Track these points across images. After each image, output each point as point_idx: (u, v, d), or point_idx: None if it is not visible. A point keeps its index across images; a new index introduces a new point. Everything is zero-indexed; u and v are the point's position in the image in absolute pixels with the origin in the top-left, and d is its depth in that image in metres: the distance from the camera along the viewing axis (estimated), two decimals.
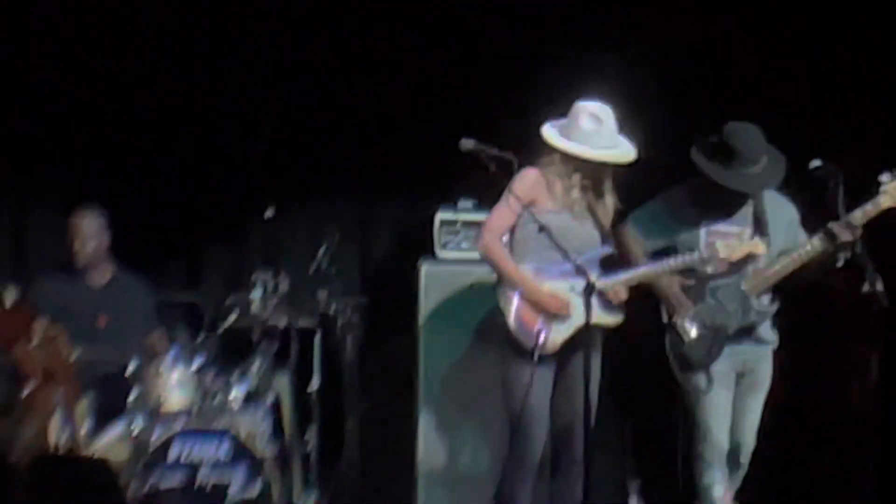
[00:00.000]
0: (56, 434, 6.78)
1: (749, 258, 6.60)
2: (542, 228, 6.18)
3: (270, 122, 8.16)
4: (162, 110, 7.92)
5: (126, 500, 6.44)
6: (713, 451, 6.68)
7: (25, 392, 6.85)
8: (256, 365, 7.18)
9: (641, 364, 7.88)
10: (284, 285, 7.33)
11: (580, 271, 6.14)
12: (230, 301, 7.29)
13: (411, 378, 7.55)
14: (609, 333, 6.50)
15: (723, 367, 6.67)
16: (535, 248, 6.36)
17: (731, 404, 6.72)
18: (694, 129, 7.83)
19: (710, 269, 6.56)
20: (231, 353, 7.30)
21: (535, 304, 6.35)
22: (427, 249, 7.60)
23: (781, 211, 6.72)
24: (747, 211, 6.69)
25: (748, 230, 6.68)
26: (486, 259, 6.49)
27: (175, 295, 7.81)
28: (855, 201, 6.63)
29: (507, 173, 6.36)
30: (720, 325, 6.64)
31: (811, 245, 6.56)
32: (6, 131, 7.82)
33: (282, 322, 7.29)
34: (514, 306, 6.37)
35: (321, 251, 7.42)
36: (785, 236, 6.68)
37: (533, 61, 8.03)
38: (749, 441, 6.77)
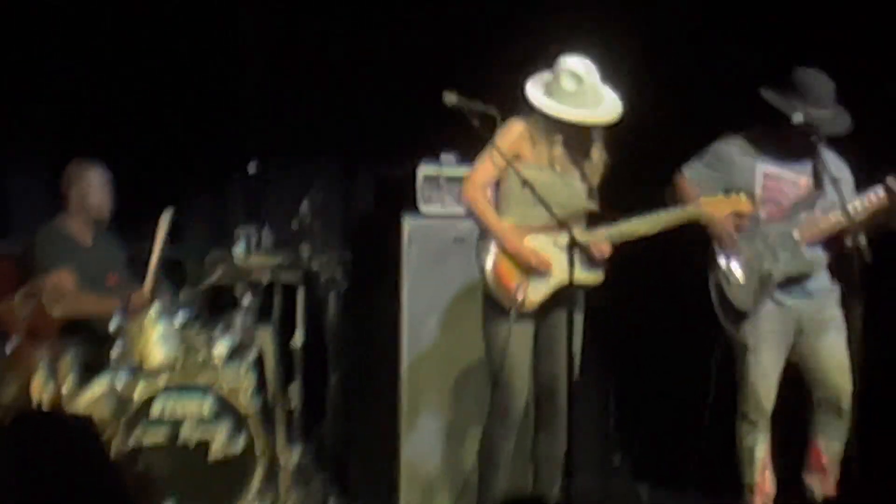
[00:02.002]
0: (39, 391, 6.77)
1: (803, 204, 6.60)
2: (525, 183, 6.16)
3: (253, 75, 8.14)
4: (143, 65, 7.88)
5: (109, 456, 6.42)
6: (758, 410, 6.59)
7: (8, 349, 6.83)
8: (239, 320, 7.17)
9: (625, 321, 7.91)
10: (267, 240, 7.32)
11: (562, 226, 6.13)
12: (213, 256, 7.28)
13: (395, 333, 7.54)
14: (591, 291, 6.47)
15: (773, 326, 6.60)
16: (519, 202, 6.34)
17: (780, 365, 6.62)
18: (683, 80, 7.84)
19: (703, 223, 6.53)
20: (214, 308, 7.29)
21: (516, 259, 6.32)
22: (410, 204, 7.58)
23: (838, 171, 6.64)
24: (807, 162, 6.66)
25: (805, 178, 6.66)
26: (469, 211, 6.46)
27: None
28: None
29: (490, 128, 6.33)
30: (767, 271, 6.58)
31: (868, 201, 6.54)
32: None
33: (265, 277, 7.29)
34: (492, 262, 6.34)
35: (304, 206, 7.40)
36: (839, 194, 6.56)
37: (518, 13, 7.99)
38: (843, 384, 6.58)
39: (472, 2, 8.00)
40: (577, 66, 6.35)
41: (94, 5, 7.82)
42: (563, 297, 6.26)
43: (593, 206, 6.45)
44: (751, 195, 6.59)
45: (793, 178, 6.70)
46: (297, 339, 7.41)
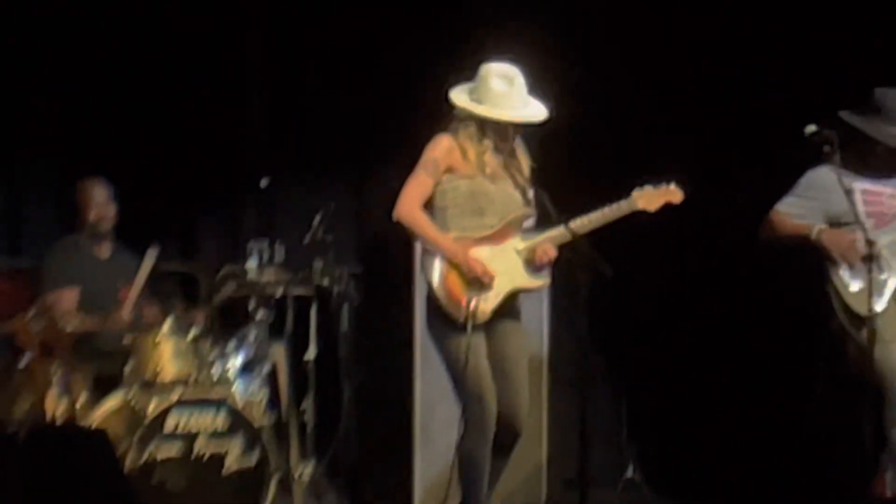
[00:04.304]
0: (53, 405, 6.79)
1: None
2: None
3: (265, 91, 8.17)
4: (155, 80, 7.91)
5: (123, 470, 6.44)
6: None
7: (22, 364, 6.86)
8: (253, 334, 7.20)
9: (638, 329, 7.92)
10: (280, 255, 7.34)
11: (502, 235, 6.17)
12: (226, 271, 7.30)
13: (408, 345, 7.55)
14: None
15: None
16: (459, 215, 6.34)
17: None
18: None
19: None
20: (227, 322, 7.31)
21: (461, 270, 6.31)
22: None
23: None
24: None
25: None
26: (407, 227, 6.40)
27: (171, 265, 7.81)
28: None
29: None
30: (881, 278, 6.53)
31: None
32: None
33: (278, 291, 7.31)
34: (439, 276, 6.31)
35: (317, 220, 7.43)
36: None
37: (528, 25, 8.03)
38: None
39: (479, 16, 8.03)
40: (505, 69, 6.34)
41: (106, 25, 7.87)
42: (506, 307, 6.31)
43: (529, 210, 6.42)
44: (853, 216, 6.54)
45: (890, 192, 6.72)
46: (311, 353, 7.43)
